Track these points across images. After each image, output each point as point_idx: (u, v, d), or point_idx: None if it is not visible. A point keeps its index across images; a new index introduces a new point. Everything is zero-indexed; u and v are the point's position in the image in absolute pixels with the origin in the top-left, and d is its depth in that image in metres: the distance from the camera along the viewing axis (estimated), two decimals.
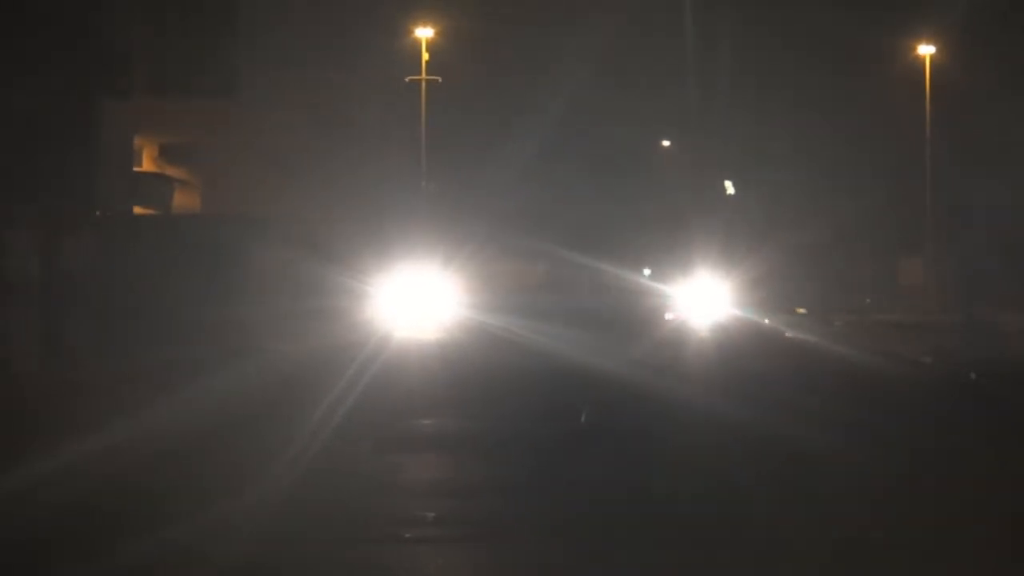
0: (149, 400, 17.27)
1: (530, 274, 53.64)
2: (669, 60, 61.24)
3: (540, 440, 14.56)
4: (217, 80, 36.14)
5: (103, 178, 27.77)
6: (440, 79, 49.55)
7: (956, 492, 11.35)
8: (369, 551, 9.46)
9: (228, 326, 26.13)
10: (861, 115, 53.59)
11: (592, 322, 37.90)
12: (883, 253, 56.16)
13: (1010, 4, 50.97)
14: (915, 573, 8.86)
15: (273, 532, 9.76)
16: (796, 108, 55.62)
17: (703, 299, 46.06)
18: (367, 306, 36.35)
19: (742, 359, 27.59)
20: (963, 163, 49.96)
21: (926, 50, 51.46)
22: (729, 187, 65.48)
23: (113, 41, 27.29)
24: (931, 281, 51.37)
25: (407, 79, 49.43)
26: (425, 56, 49.19)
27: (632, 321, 41.89)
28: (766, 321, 42.59)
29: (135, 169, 36.98)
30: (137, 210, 35.59)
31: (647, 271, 58.78)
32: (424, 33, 49.13)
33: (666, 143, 67.17)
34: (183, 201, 40.97)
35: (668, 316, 44.57)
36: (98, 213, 28.01)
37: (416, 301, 38.36)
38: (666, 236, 59.66)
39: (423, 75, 49.17)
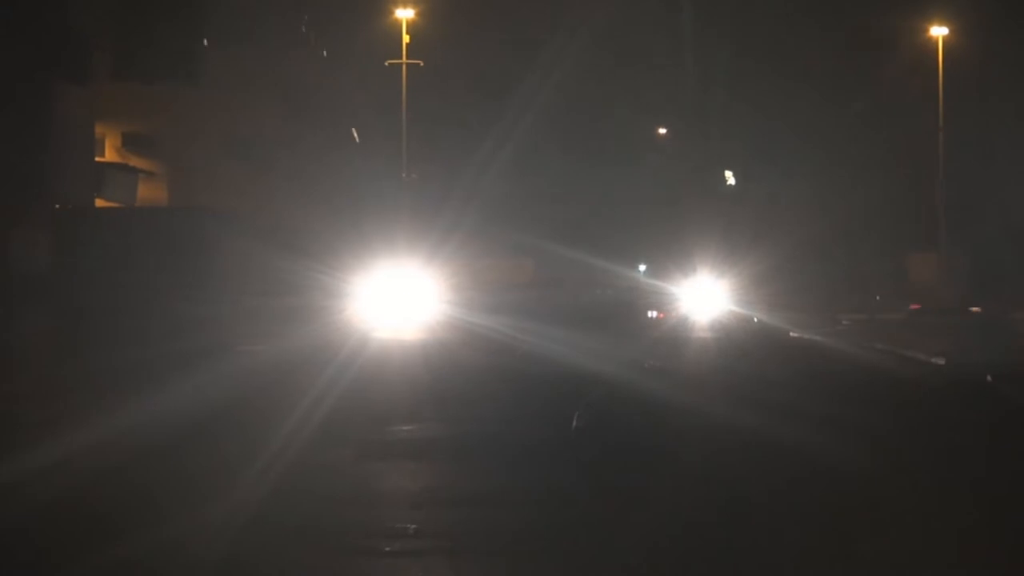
0: (102, 407, 17.12)
1: (518, 270, 53.58)
2: (667, 41, 61.29)
3: (529, 447, 14.49)
4: (182, 64, 35.99)
5: (61, 168, 27.60)
6: (422, 63, 49.46)
7: (980, 509, 11.28)
8: (346, 565, 9.36)
9: (195, 326, 26.00)
10: (869, 102, 53.66)
11: (584, 321, 37.88)
12: (892, 248, 56.26)
13: None
14: None
15: (241, 548, 9.65)
16: (800, 95, 55.66)
17: (702, 296, 46.10)
18: (344, 305, 36.26)
19: (743, 360, 27.56)
20: (978, 153, 50.05)
21: (938, 32, 51.49)
22: (729, 177, 65.52)
23: (70, 22, 27.11)
24: (944, 277, 51.42)
25: (387, 63, 49.34)
26: (406, 38, 49.11)
27: (626, 320, 41.87)
28: (769, 320, 42.60)
29: (97, 159, 36.82)
30: (99, 203, 35.42)
31: (642, 267, 58.80)
32: (404, 14, 49.04)
33: (662, 131, 67.19)
34: (148, 193, 40.80)
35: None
36: (57, 206, 27.85)
37: (397, 299, 38.28)
38: (662, 229, 59.69)
39: (403, 58, 49.08)
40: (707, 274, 48.63)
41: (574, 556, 9.52)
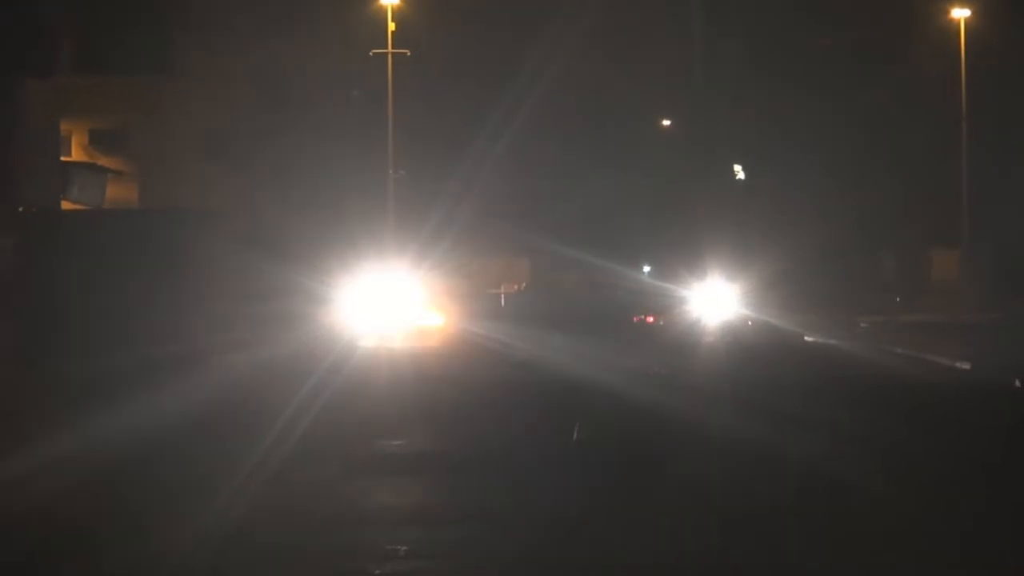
0: (63, 420, 17.06)
1: (514, 271, 53.62)
2: (671, 25, 61.27)
3: (526, 462, 14.48)
4: (151, 56, 35.98)
5: (24, 169, 27.57)
6: (409, 52, 49.45)
7: (1006, 531, 11.25)
8: None
9: (165, 333, 25.98)
10: (887, 90, 53.66)
11: (584, 325, 37.88)
12: (912, 246, 56.30)
13: None
14: None
15: (218, 571, 9.63)
16: (813, 84, 55.68)
17: (712, 299, 46.10)
18: (329, 311, 36.23)
19: (755, 367, 27.56)
20: (1003, 144, 50.07)
21: (960, 14, 51.49)
22: (738, 172, 65.53)
23: (32, 11, 27.08)
24: (968, 276, 51.43)
25: (371, 52, 49.32)
26: (391, 26, 49.09)
27: (629, 324, 41.88)
28: (782, 323, 42.61)
29: (62, 159, 36.81)
30: (66, 205, 35.40)
31: (647, 268, 58.80)
32: (389, 0, 49.02)
33: (667, 122, 67.20)
34: (118, 193, 40.78)
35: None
36: (20, 209, 27.81)
37: (384, 305, 38.25)
38: (668, 227, 59.69)
39: (389, 47, 49.07)
40: (717, 275, 48.64)
41: None
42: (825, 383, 23.75)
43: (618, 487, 13.09)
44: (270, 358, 27.45)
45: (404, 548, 10.49)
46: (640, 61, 60.00)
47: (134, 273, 27.07)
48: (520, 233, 53.07)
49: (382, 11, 49.21)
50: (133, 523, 11.27)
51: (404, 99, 49.84)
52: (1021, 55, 50.81)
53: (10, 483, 12.89)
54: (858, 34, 55.19)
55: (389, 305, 38.32)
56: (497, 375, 25.34)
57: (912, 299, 50.72)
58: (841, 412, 18.49)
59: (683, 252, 54.33)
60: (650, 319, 44.88)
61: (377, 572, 9.75)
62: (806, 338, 37.95)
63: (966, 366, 26.22)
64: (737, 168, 65.61)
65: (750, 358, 30.09)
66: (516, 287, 52.17)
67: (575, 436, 16.17)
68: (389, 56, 49.11)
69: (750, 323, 43.95)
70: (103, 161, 40.87)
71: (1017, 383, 22.35)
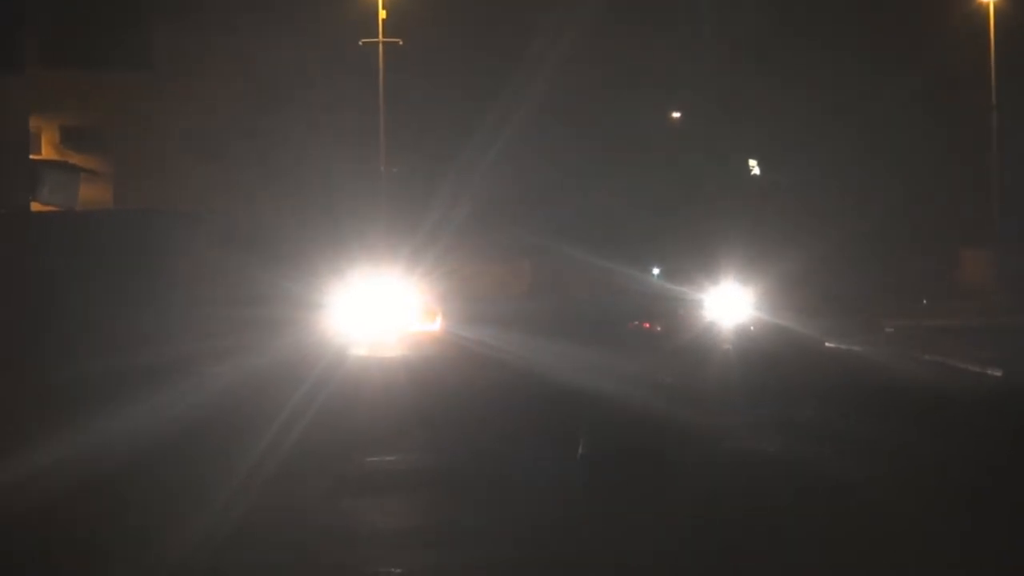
0: (29, 433, 17.01)
1: (514, 274, 53.59)
2: (681, 10, 61.28)
3: (528, 477, 14.47)
4: (127, 50, 36.01)
5: None
6: (401, 42, 49.47)
7: None
8: None
9: (141, 341, 25.97)
10: (911, 79, 53.67)
11: (590, 331, 37.90)
12: (939, 246, 56.28)
13: None
14: None
15: None
16: (832, 73, 55.72)
17: (727, 302, 46.08)
18: (318, 316, 36.22)
19: (772, 375, 27.56)
20: None
21: None
22: (753, 167, 65.56)
23: (1, 5, 27.13)
24: (1000, 277, 51.43)
25: (361, 42, 49.34)
26: (382, 14, 49.11)
27: (637, 331, 41.86)
28: (801, 328, 42.60)
29: (32, 157, 36.84)
30: (36, 206, 35.44)
31: (656, 270, 58.79)
32: None
33: (676, 114, 67.25)
34: (92, 194, 40.83)
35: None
36: None
37: (377, 310, 38.23)
38: (680, 225, 59.69)
39: (380, 37, 49.09)
40: (733, 277, 48.62)
41: None
42: (848, 392, 23.70)
43: (626, 504, 13.07)
44: (255, 367, 27.43)
45: (399, 570, 10.50)
46: (650, 45, 59.99)
47: (106, 277, 27.09)
48: (521, 234, 53.07)
49: (372, 2, 49.22)
50: (102, 545, 11.23)
51: (398, 92, 49.86)
52: None
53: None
54: (883, 20, 55.22)
55: (382, 310, 38.30)
56: (498, 385, 25.32)
57: (940, 302, 50.71)
58: (867, 424, 18.47)
59: (697, 253, 54.33)
60: (647, 325, 44.78)
61: None
62: (826, 344, 37.94)
63: (998, 372, 26.21)
64: (752, 163, 65.63)
65: (766, 366, 30.07)
66: (517, 291, 52.17)
67: (580, 451, 16.16)
68: (380, 47, 49.12)
69: (766, 328, 43.92)
70: (76, 160, 40.91)
71: None
